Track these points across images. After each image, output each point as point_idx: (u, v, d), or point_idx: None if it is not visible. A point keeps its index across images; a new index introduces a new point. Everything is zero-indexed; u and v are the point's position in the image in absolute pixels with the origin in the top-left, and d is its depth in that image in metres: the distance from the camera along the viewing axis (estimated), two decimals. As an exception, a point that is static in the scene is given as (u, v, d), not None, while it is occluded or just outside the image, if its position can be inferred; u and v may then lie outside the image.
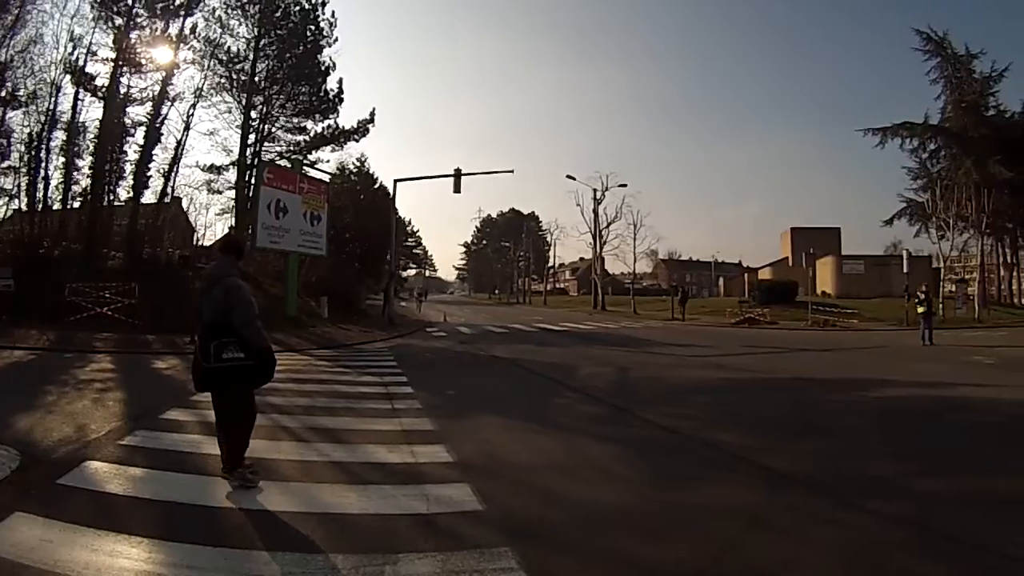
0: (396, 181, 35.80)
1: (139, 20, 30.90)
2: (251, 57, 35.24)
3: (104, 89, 30.14)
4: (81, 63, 29.97)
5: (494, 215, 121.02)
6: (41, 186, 29.39)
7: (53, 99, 29.47)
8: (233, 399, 5.79)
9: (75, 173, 30.04)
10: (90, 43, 30.16)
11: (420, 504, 5.40)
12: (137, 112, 31.69)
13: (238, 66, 35.21)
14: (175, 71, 31.94)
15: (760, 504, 5.56)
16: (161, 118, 31.27)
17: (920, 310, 25.19)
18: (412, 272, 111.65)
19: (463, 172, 34.87)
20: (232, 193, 37.19)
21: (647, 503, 5.63)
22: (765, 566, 4.31)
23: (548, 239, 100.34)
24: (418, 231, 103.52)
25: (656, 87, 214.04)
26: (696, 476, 6.51)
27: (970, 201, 44.83)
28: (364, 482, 6.07)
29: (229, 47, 34.85)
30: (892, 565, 4.35)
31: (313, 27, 37.27)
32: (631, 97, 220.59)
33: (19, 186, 29.53)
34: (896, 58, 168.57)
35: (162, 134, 31.51)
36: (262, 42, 35.61)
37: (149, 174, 31.27)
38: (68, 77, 29.78)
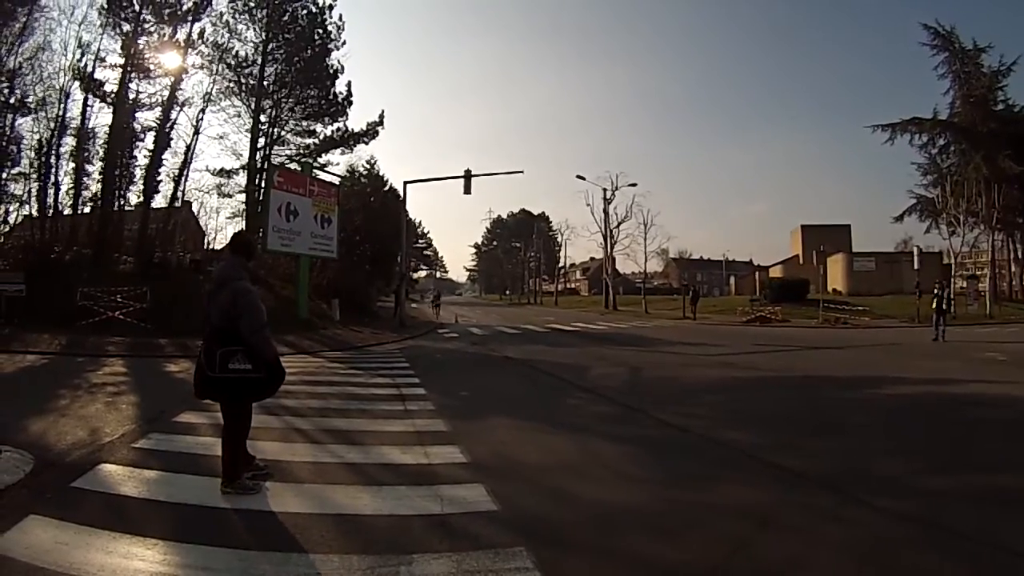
0: (406, 183, 35.78)
1: (147, 26, 31.00)
2: (259, 61, 35.38)
3: (113, 95, 30.27)
4: (90, 69, 30.14)
5: (504, 216, 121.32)
6: (51, 191, 29.56)
7: (62, 105, 29.65)
8: (230, 409, 5.73)
9: (85, 178, 30.19)
10: (98, 49, 30.36)
11: (434, 505, 5.42)
12: (146, 117, 31.87)
13: (247, 70, 35.34)
14: (184, 76, 32.14)
15: (771, 503, 5.58)
16: (170, 123, 31.49)
17: (933, 306, 25.11)
18: (423, 273, 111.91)
19: (473, 173, 34.86)
20: (243, 196, 37.42)
21: (659, 502, 5.64)
22: (776, 565, 4.33)
23: (559, 239, 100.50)
24: (428, 232, 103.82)
25: (661, 87, 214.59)
26: (707, 475, 6.52)
27: (980, 196, 44.83)
28: (378, 483, 6.09)
29: (237, 51, 35.05)
30: (903, 563, 4.36)
31: (321, 30, 37.31)
32: (636, 98, 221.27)
33: (30, 192, 29.69)
34: (902, 54, 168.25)
35: (171, 139, 31.67)
36: (270, 46, 35.70)
37: (159, 178, 31.41)
38: (77, 83, 29.96)
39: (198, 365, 5.67)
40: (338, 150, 40.02)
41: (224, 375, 5.46)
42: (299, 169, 31.98)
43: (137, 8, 30.35)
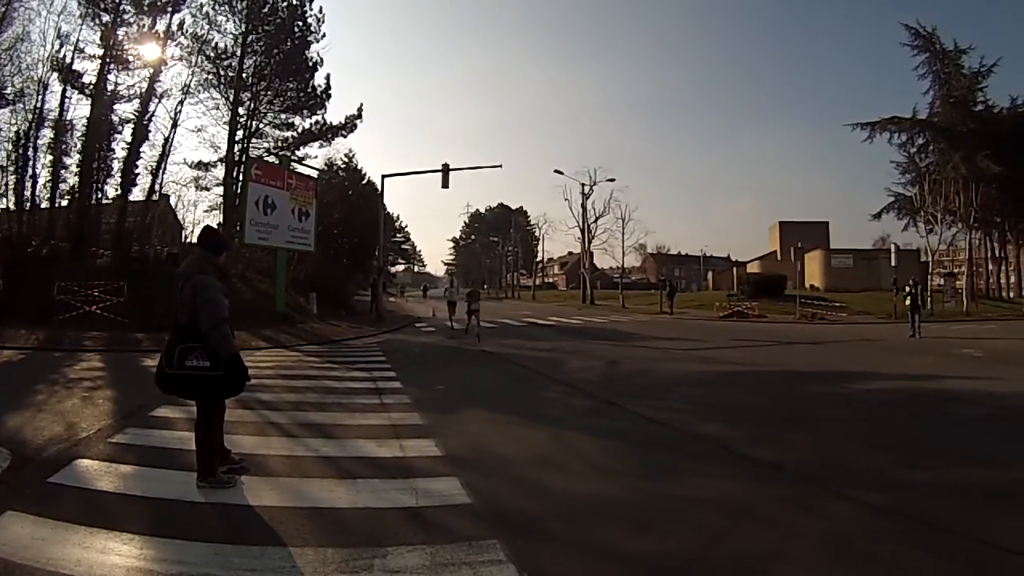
0: (384, 176, 35.86)
1: (126, 17, 30.73)
2: (239, 53, 35.05)
3: (91, 86, 29.97)
4: (68, 60, 29.86)
5: (482, 210, 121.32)
6: (29, 184, 29.32)
7: (40, 97, 29.42)
8: (202, 404, 5.70)
9: (63, 171, 29.92)
10: (77, 40, 30.07)
11: (409, 498, 5.46)
12: (125, 109, 31.53)
13: (226, 62, 35.01)
14: (162, 68, 31.77)
15: (748, 495, 5.62)
16: (148, 115, 31.14)
17: (907, 303, 25.36)
18: (401, 267, 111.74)
19: (451, 167, 34.88)
20: (220, 190, 37.04)
21: (635, 495, 5.69)
22: (753, 556, 4.36)
23: (537, 233, 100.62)
24: (406, 226, 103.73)
25: (645, 85, 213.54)
26: (684, 468, 6.58)
27: (958, 195, 45.12)
28: (353, 476, 6.13)
29: (216, 43, 34.67)
30: (879, 555, 4.38)
31: (300, 23, 37.11)
32: (621, 95, 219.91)
33: (7, 185, 29.35)
34: (884, 53, 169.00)
35: (150, 131, 31.37)
36: (249, 38, 35.41)
37: (137, 171, 31.09)
38: (55, 74, 29.70)
39: (159, 360, 5.65)
40: (316, 143, 39.81)
41: (181, 371, 5.44)
42: (277, 162, 31.88)
43: (117, -1, 30.09)
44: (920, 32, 53.63)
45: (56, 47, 29.59)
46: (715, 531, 4.79)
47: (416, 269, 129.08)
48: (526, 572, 4.04)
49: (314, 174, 34.19)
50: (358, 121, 39.70)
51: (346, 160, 49.51)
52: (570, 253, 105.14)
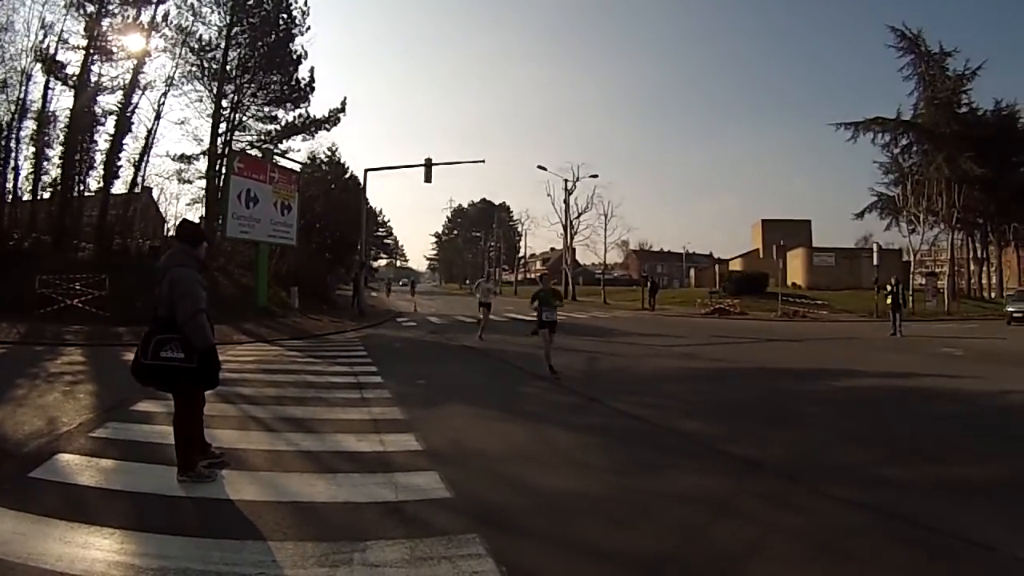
0: (367, 171, 35.79)
1: (111, 7, 30.47)
2: (223, 45, 34.77)
3: (75, 77, 29.79)
4: (52, 51, 29.59)
5: (465, 205, 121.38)
6: (11, 177, 29.11)
7: (23, 88, 29.14)
8: (180, 397, 5.72)
9: (45, 163, 29.76)
10: (61, 31, 29.77)
11: (389, 492, 5.47)
12: (108, 101, 31.39)
13: (210, 54, 34.75)
14: (146, 59, 31.62)
15: (726, 491, 5.66)
16: (132, 107, 31.01)
17: (888, 302, 25.53)
18: (383, 262, 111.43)
19: (433, 162, 34.83)
20: (203, 183, 36.73)
21: (615, 491, 5.72)
22: (731, 552, 4.39)
23: (519, 229, 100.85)
24: (389, 221, 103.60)
25: (630, 83, 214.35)
26: (664, 464, 6.62)
27: (941, 196, 45.41)
28: (333, 471, 6.14)
29: (201, 35, 34.40)
30: (858, 551, 4.43)
31: (285, 15, 36.88)
32: (606, 93, 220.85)
33: (-11, 177, 29.11)
34: (869, 54, 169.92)
35: (133, 123, 31.28)
36: (234, 30, 35.10)
37: (119, 164, 30.98)
38: (39, 65, 29.42)
39: (136, 351, 5.66)
40: (300, 136, 39.58)
41: (156, 362, 5.47)
42: (260, 155, 31.80)
43: (102, -11, 29.86)
44: (906, 34, 54.14)
45: (40, 37, 29.34)
46: (694, 527, 4.82)
47: (398, 264, 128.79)
48: (504, 566, 4.06)
49: (297, 168, 34.06)
50: (341, 115, 39.51)
51: (329, 154, 49.36)
52: (552, 249, 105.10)
